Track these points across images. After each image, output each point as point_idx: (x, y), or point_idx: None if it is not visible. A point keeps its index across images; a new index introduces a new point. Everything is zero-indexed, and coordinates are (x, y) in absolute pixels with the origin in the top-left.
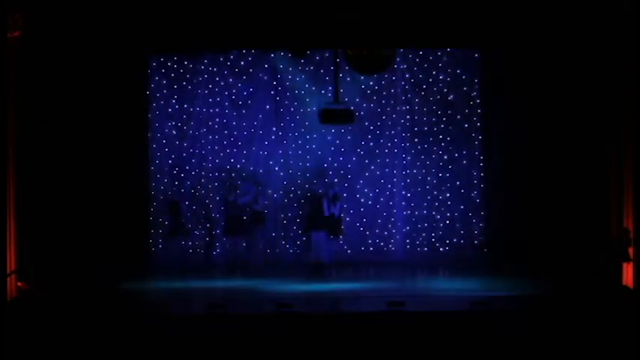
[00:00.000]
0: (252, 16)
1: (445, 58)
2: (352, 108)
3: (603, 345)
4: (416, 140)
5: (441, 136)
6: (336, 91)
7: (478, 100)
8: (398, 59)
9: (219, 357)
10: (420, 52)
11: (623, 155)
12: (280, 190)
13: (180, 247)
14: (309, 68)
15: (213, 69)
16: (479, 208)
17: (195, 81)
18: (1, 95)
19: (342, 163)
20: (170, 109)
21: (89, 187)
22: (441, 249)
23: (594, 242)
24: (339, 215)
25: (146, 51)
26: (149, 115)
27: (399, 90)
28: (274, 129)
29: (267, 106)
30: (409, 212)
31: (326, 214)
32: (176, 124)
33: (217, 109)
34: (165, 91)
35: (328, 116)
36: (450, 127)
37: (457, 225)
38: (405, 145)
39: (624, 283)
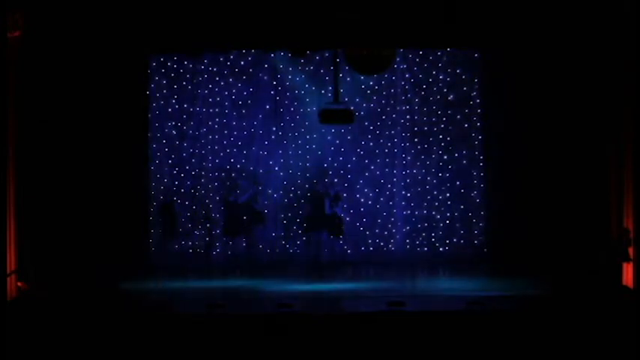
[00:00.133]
0: (252, 16)
1: (445, 58)
2: (352, 108)
3: (603, 345)
4: (416, 140)
5: (441, 136)
6: (336, 91)
7: (478, 100)
8: (398, 59)
9: (219, 357)
10: (420, 52)
11: (623, 155)
12: (280, 190)
13: (180, 247)
14: (309, 68)
15: (213, 69)
16: (479, 208)
17: (195, 81)
18: (1, 95)
19: (342, 163)
20: (170, 109)
21: (89, 187)
22: (441, 249)
23: (594, 242)
24: (341, 215)
25: (146, 51)
26: (149, 115)
27: (399, 90)
28: (274, 129)
29: (267, 106)
30: (409, 212)
31: (328, 212)
32: (176, 124)
33: (217, 109)
34: (165, 91)
35: (328, 116)
36: (450, 127)
37: (457, 225)
38: (405, 145)
39: (624, 283)
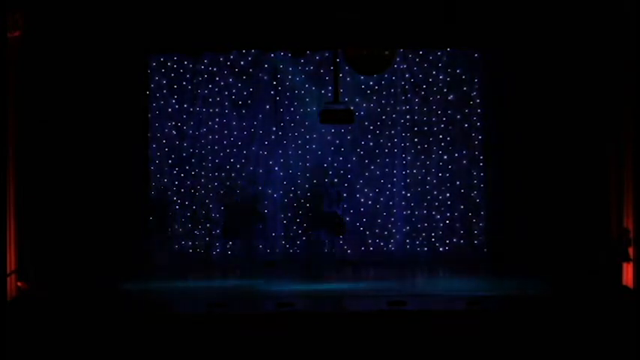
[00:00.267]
0: (252, 16)
1: (445, 58)
2: (352, 108)
3: (603, 345)
4: (416, 140)
5: (441, 136)
6: (336, 91)
7: (478, 100)
8: (398, 59)
9: (219, 357)
10: (420, 52)
11: (623, 155)
12: (280, 190)
13: (180, 247)
14: (309, 68)
15: (213, 69)
16: (479, 208)
17: (195, 81)
18: (1, 95)
19: (342, 163)
20: (170, 109)
21: (89, 187)
22: (440, 249)
23: (594, 242)
24: (342, 214)
25: (146, 51)
26: (149, 115)
27: (399, 90)
28: (274, 129)
29: (267, 106)
30: (409, 212)
31: (325, 212)
32: (176, 124)
33: (217, 109)
34: (165, 91)
35: (328, 116)
36: (450, 127)
37: (457, 225)
38: (405, 145)
39: (624, 283)
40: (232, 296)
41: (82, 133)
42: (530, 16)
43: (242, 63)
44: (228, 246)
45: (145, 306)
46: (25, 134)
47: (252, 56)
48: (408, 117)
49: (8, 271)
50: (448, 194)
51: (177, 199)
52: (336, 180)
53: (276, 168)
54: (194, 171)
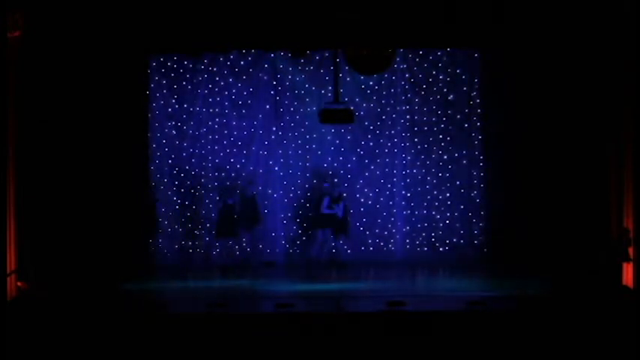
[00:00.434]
0: (252, 16)
1: (445, 58)
2: (352, 108)
3: (603, 345)
4: (416, 140)
5: (441, 136)
6: (336, 91)
7: (478, 100)
8: (398, 59)
9: (219, 357)
10: (420, 52)
11: (623, 155)
12: (280, 190)
13: (180, 247)
14: (309, 68)
15: (213, 69)
16: (479, 208)
17: (195, 81)
18: (1, 95)
19: (342, 163)
20: (170, 109)
21: (89, 187)
22: (440, 249)
23: (594, 242)
24: (344, 215)
25: (146, 51)
26: (149, 115)
27: (399, 90)
28: (274, 129)
29: (267, 106)
30: (409, 212)
31: (324, 212)
32: (176, 124)
33: (217, 109)
34: (165, 91)
35: (328, 116)
36: (450, 127)
37: (457, 225)
38: (405, 145)
39: (624, 283)
40: (232, 296)
41: (82, 133)
42: (530, 16)
43: (242, 63)
44: (228, 246)
45: (144, 306)
46: (25, 134)
47: (252, 56)
48: (408, 117)
49: (8, 271)
50: (448, 194)
51: (177, 199)
52: (335, 180)
53: (276, 168)
54: (194, 171)
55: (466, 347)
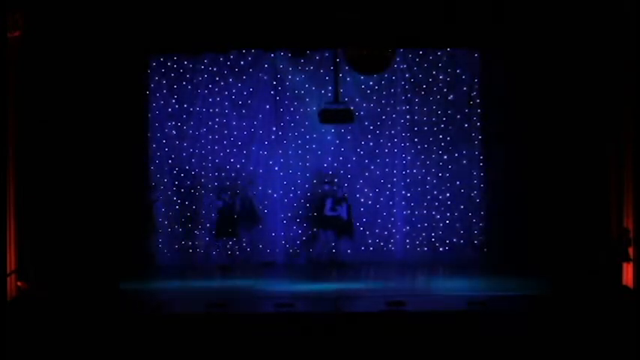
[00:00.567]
0: (252, 16)
1: (445, 58)
2: (352, 108)
3: (603, 345)
4: (416, 140)
5: (441, 136)
6: (336, 91)
7: (478, 100)
8: (398, 59)
9: (219, 357)
10: (420, 52)
11: (623, 155)
12: (280, 190)
13: (180, 247)
14: (309, 68)
15: (213, 69)
16: (479, 208)
17: (195, 81)
18: (1, 95)
19: (342, 163)
20: (170, 109)
21: (89, 187)
22: (440, 249)
23: (594, 242)
24: (349, 217)
25: (146, 51)
26: (149, 115)
27: (399, 90)
28: (274, 129)
29: (267, 106)
30: (409, 212)
31: (328, 213)
32: (176, 124)
33: (217, 109)
34: (165, 91)
35: (328, 116)
36: (450, 127)
37: (457, 225)
38: (405, 145)
39: (624, 283)
40: (232, 296)
41: (81, 133)
42: (530, 16)
43: (242, 63)
44: (228, 246)
45: (144, 306)
46: (25, 134)
47: (252, 56)
48: (408, 117)
49: (8, 271)
50: (448, 194)
51: (177, 199)
52: (336, 180)
53: (276, 168)
54: (194, 171)
55: (466, 347)
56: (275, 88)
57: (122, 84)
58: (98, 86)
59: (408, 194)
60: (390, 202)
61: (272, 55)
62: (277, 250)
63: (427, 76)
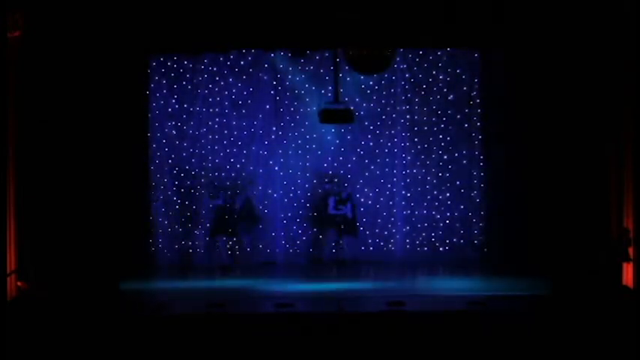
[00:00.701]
0: (252, 16)
1: (445, 58)
2: (352, 108)
3: (603, 345)
4: (416, 140)
5: (441, 136)
6: (336, 91)
7: (478, 100)
8: (398, 59)
9: (219, 357)
10: (420, 52)
11: (623, 155)
12: (280, 190)
13: (180, 247)
14: (309, 68)
15: (213, 69)
16: (479, 208)
17: (195, 81)
18: (1, 95)
19: (342, 163)
20: (170, 109)
21: (89, 187)
22: (440, 249)
23: (594, 242)
24: (353, 216)
25: (146, 51)
26: (149, 115)
27: (399, 90)
28: (274, 129)
29: (267, 106)
30: (409, 212)
31: (331, 212)
32: (176, 123)
33: (217, 109)
34: (165, 91)
35: (328, 116)
36: (450, 127)
37: (457, 225)
38: (405, 145)
39: (624, 283)
40: (232, 296)
41: (82, 133)
42: (530, 16)
43: (242, 63)
44: (228, 246)
45: (144, 306)
46: (25, 134)
47: (252, 56)
48: (408, 117)
49: (8, 271)
50: (448, 194)
51: (177, 199)
52: (336, 180)
53: (276, 168)
54: (194, 171)
55: (466, 347)
56: (275, 88)
57: (122, 84)
58: (98, 86)
59: (408, 194)
60: (390, 202)
61: (272, 55)
62: (277, 250)
63: (427, 76)
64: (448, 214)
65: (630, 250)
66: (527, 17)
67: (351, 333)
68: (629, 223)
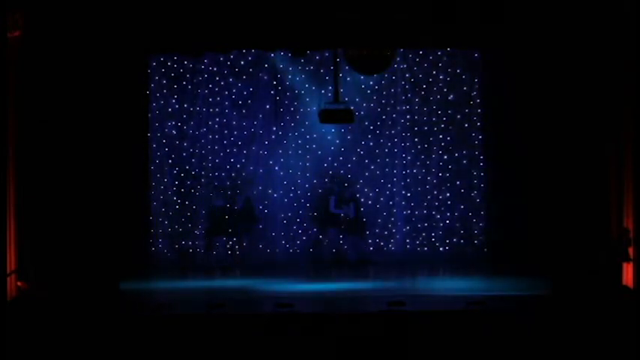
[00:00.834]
0: (252, 16)
1: (445, 58)
2: (352, 108)
3: (603, 345)
4: (416, 140)
5: (441, 136)
6: (336, 91)
7: (478, 100)
8: (398, 59)
9: (219, 357)
10: (420, 52)
11: (623, 155)
12: (280, 190)
13: (180, 247)
14: (309, 68)
15: (213, 69)
16: (479, 208)
17: (195, 81)
18: (1, 95)
19: (342, 163)
20: (170, 109)
21: (89, 187)
22: (441, 249)
23: (594, 242)
24: (356, 215)
25: (146, 51)
26: (149, 115)
27: (399, 90)
28: (274, 129)
29: (267, 106)
30: (409, 212)
31: (332, 211)
32: (176, 124)
33: (217, 109)
34: (165, 91)
35: (328, 116)
36: (450, 127)
37: (457, 225)
38: (405, 145)
39: (624, 283)
40: (232, 296)
41: (82, 133)
42: (530, 16)
43: (242, 63)
44: (228, 246)
45: (144, 306)
46: (25, 134)
47: (252, 56)
48: (408, 117)
49: (8, 271)
50: (448, 194)
51: (177, 199)
52: (335, 180)
53: (276, 168)
54: (194, 171)
55: (466, 347)
56: (275, 88)
57: (122, 84)
58: (98, 86)
59: (408, 194)
60: (390, 202)
61: (272, 55)
62: (277, 250)
63: (427, 76)
64: (448, 214)
65: (630, 250)
66: (528, 17)
67: (351, 333)
68: (629, 223)
